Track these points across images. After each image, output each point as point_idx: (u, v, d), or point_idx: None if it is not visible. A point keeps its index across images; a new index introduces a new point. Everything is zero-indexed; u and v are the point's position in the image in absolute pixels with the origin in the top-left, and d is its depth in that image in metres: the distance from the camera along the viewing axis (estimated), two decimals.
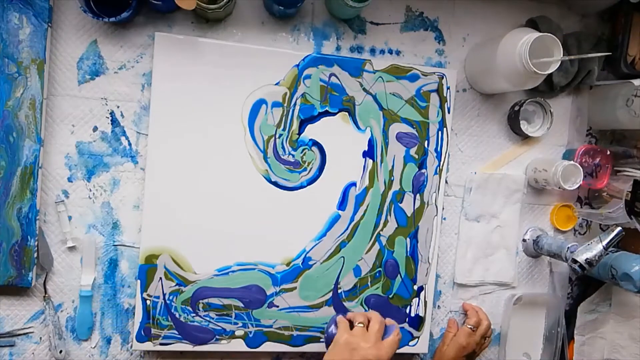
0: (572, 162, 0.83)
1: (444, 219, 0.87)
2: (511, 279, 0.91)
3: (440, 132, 0.83)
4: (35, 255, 0.72)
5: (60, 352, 0.75)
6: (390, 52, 0.83)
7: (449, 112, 0.83)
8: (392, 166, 0.82)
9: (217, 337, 0.78)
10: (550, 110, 0.86)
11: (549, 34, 0.72)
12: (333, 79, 0.79)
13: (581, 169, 0.83)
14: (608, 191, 0.88)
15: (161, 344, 0.77)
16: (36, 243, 0.72)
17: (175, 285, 0.76)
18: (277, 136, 0.78)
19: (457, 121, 0.86)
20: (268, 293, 0.79)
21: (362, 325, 0.69)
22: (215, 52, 0.75)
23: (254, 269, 0.79)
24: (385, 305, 0.83)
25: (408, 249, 0.83)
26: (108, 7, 0.70)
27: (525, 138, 0.89)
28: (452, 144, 0.86)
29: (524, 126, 0.86)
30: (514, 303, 0.89)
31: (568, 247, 0.80)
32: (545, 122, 0.87)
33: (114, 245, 0.77)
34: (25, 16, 0.68)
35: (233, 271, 0.78)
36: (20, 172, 0.70)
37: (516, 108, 0.86)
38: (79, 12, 0.72)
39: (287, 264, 0.80)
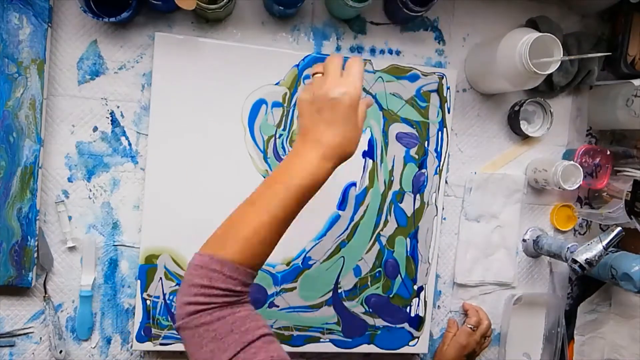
0: (572, 162, 0.83)
1: (444, 219, 0.87)
2: (511, 279, 0.91)
3: (440, 133, 0.83)
4: (35, 255, 0.72)
5: (60, 352, 0.75)
6: (390, 52, 0.83)
7: (449, 112, 0.83)
8: (392, 166, 0.82)
9: None
10: (550, 110, 0.86)
11: (549, 34, 0.72)
12: None
13: (581, 169, 0.83)
14: (608, 191, 0.88)
15: (161, 344, 0.77)
16: (36, 243, 0.72)
17: (175, 285, 0.76)
18: (277, 136, 0.78)
19: (457, 121, 0.86)
20: (269, 292, 0.79)
21: (319, 74, 0.56)
22: (215, 52, 0.75)
23: None
24: (386, 305, 0.83)
25: (408, 249, 0.83)
26: (108, 7, 0.70)
27: (525, 138, 0.89)
28: (452, 144, 0.86)
29: (524, 126, 0.86)
30: (514, 303, 0.89)
31: (568, 247, 0.80)
32: (545, 122, 0.87)
33: (114, 245, 0.77)
34: (25, 16, 0.68)
35: None
36: (20, 172, 0.70)
37: (516, 108, 0.86)
38: (79, 12, 0.72)
39: (287, 264, 0.80)
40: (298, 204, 0.53)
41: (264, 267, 0.78)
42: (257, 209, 0.52)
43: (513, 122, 0.87)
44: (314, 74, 0.57)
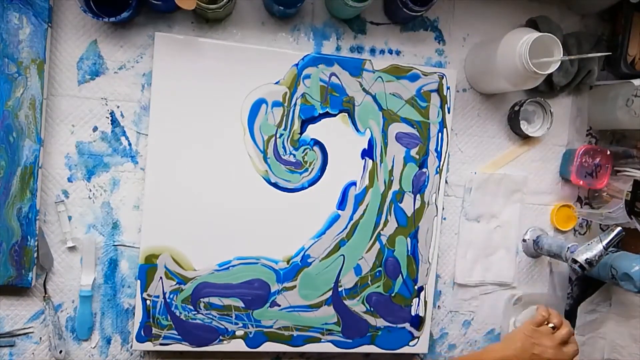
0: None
1: (444, 219, 0.87)
2: (511, 279, 0.91)
3: (440, 133, 0.83)
4: (35, 255, 0.72)
5: (60, 352, 0.75)
6: (390, 52, 0.83)
7: (449, 112, 0.83)
8: (392, 166, 0.82)
9: (220, 337, 0.78)
10: (550, 110, 0.86)
11: (549, 34, 0.72)
12: (333, 79, 0.79)
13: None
14: (608, 191, 0.88)
15: (161, 344, 0.77)
16: (36, 243, 0.72)
17: (175, 284, 0.76)
18: (277, 136, 0.78)
19: (457, 121, 0.86)
20: (272, 290, 0.79)
21: (552, 326, 0.71)
22: (215, 52, 0.75)
23: (257, 263, 0.78)
24: (388, 304, 0.83)
25: (409, 249, 0.83)
26: (108, 7, 0.70)
27: (525, 138, 0.89)
28: (452, 144, 0.86)
29: (524, 126, 0.86)
30: (514, 303, 0.89)
31: (568, 247, 0.80)
32: (546, 122, 0.87)
33: (114, 245, 0.77)
34: (25, 16, 0.68)
35: (234, 265, 0.78)
36: (20, 172, 0.70)
37: (516, 108, 0.86)
38: (79, 12, 0.72)
39: (287, 262, 0.80)
40: None
41: (266, 262, 0.79)
42: None
43: (513, 122, 0.87)
44: (547, 322, 0.71)
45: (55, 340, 0.75)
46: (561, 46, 0.72)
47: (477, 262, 0.89)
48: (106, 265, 0.77)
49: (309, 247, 0.80)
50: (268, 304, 0.79)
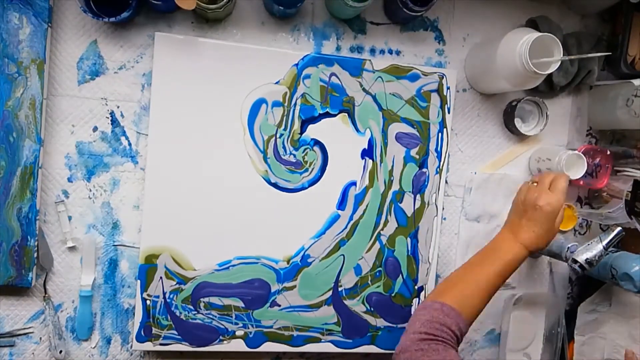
0: (575, 151, 0.82)
1: (444, 219, 0.87)
2: (511, 279, 0.90)
3: (440, 133, 0.83)
4: (35, 255, 0.72)
5: (60, 352, 0.75)
6: (390, 52, 0.83)
7: (449, 112, 0.83)
8: (392, 166, 0.82)
9: (221, 337, 0.78)
10: (546, 113, 0.85)
11: (549, 34, 0.72)
12: (333, 79, 0.79)
13: (585, 158, 0.82)
14: (608, 191, 0.88)
15: (161, 344, 0.77)
16: (36, 243, 0.72)
17: (175, 284, 0.76)
18: (277, 136, 0.78)
19: (457, 121, 0.86)
20: (272, 290, 0.79)
21: (535, 183, 0.74)
22: (215, 52, 0.75)
23: (257, 262, 0.78)
24: (388, 304, 0.83)
25: (409, 249, 0.83)
26: (108, 7, 0.70)
27: (524, 138, 0.89)
28: (452, 144, 0.86)
29: (518, 123, 0.86)
30: (513, 303, 0.89)
31: (568, 247, 0.80)
32: (540, 123, 0.86)
33: (114, 245, 0.77)
34: (25, 16, 0.68)
35: (234, 265, 0.78)
36: (20, 172, 0.70)
37: (513, 103, 0.85)
38: (79, 12, 0.72)
39: (287, 261, 0.80)
40: (500, 277, 0.68)
41: (267, 262, 0.79)
42: (473, 275, 0.68)
43: (508, 116, 0.86)
44: (532, 182, 0.75)
45: (55, 340, 0.75)
46: (561, 46, 0.72)
47: None
48: (106, 265, 0.77)
49: (309, 247, 0.80)
50: (268, 304, 0.79)
